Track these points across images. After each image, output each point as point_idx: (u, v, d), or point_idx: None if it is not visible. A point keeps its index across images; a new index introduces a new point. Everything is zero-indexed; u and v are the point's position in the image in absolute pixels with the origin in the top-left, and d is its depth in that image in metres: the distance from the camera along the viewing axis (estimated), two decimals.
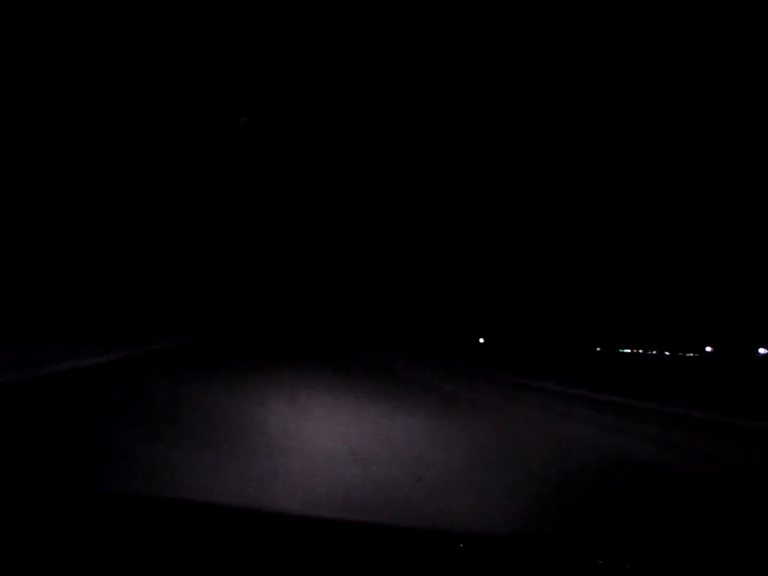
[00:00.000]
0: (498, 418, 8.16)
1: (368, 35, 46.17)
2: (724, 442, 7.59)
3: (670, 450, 6.52)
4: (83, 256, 24.77)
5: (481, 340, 39.57)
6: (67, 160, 24.05)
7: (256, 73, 47.44)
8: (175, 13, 34.03)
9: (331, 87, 52.95)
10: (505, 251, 40.16)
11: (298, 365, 15.88)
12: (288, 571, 1.21)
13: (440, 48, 44.11)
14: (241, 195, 53.15)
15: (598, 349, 35.79)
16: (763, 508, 4.42)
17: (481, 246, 41.85)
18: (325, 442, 5.27)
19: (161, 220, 34.90)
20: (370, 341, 43.86)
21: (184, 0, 35.29)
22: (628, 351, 36.26)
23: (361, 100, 50.44)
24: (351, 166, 53.28)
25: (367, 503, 3.55)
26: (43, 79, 23.01)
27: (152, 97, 32.42)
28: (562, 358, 26.70)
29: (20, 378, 8.29)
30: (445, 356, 27.48)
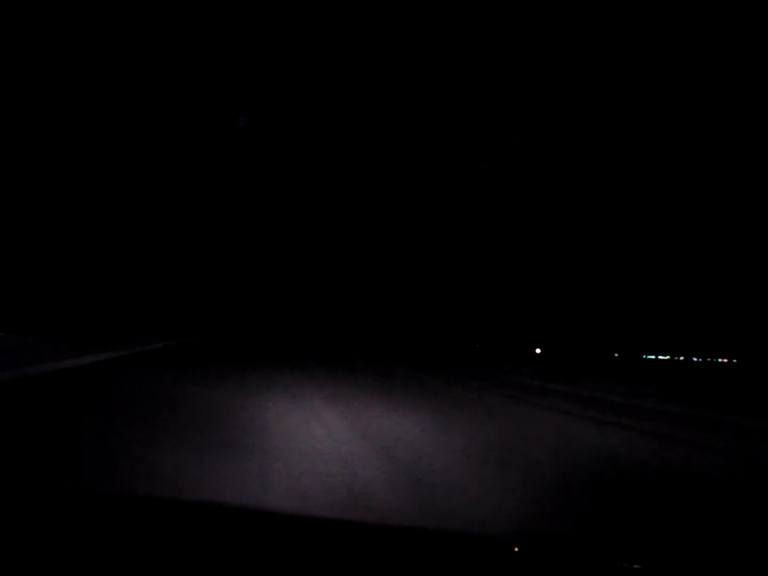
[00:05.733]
0: (499, 418, 8.16)
1: (368, 36, 46.15)
2: (730, 440, 7.58)
3: (674, 449, 6.52)
4: (85, 257, 24.76)
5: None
6: (67, 160, 24.04)
7: (256, 73, 47.43)
8: (175, 14, 34.02)
9: (331, 87, 52.93)
10: (505, 250, 40.14)
11: (299, 368, 15.88)
12: (287, 571, 1.22)
13: (440, 48, 44.09)
14: (241, 195, 53.13)
15: (616, 354, 34.98)
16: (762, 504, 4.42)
17: (481, 245, 41.84)
18: (324, 443, 5.28)
19: (161, 220, 34.89)
20: (368, 341, 43.81)
21: (184, 0, 35.27)
22: (652, 357, 35.27)
23: (360, 100, 50.40)
24: (351, 166, 53.25)
25: (367, 503, 3.55)
26: (43, 79, 23.00)
27: (152, 97, 32.41)
28: (566, 359, 26.44)
29: (41, 371, 8.63)
30: (446, 358, 27.45)
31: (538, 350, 32.89)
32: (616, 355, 33.93)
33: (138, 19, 30.20)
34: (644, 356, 33.99)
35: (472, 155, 42.92)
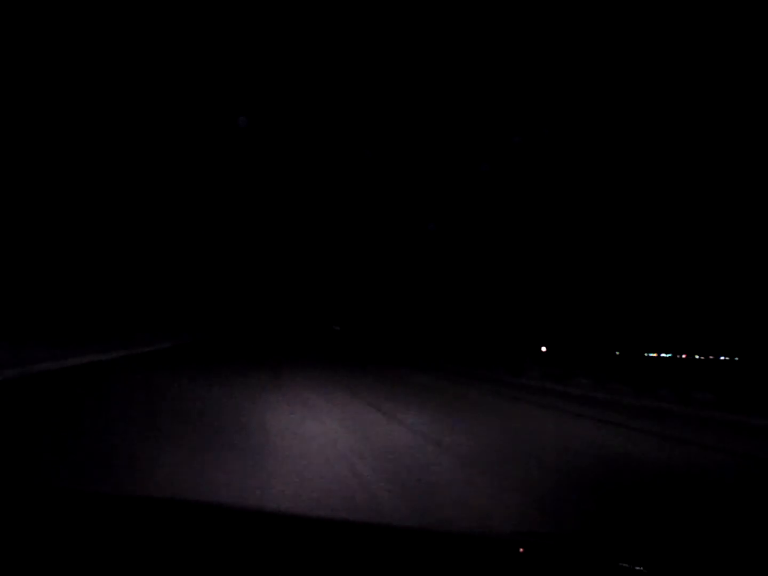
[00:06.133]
0: (499, 417, 8.15)
1: (368, 36, 46.14)
2: (733, 440, 7.57)
3: (674, 449, 6.51)
4: (84, 256, 24.76)
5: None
6: (67, 160, 24.03)
7: (256, 73, 47.39)
8: (175, 13, 34.01)
9: (331, 87, 52.94)
10: (506, 249, 40.14)
11: (299, 369, 15.90)
12: (288, 571, 1.21)
13: (440, 49, 44.08)
14: (241, 195, 53.13)
15: (617, 352, 34.42)
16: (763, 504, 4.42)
17: (482, 244, 41.85)
18: (324, 443, 5.27)
19: (161, 220, 34.89)
20: (369, 341, 43.81)
21: (184, 0, 35.26)
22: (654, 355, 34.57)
23: (360, 101, 50.39)
24: (351, 166, 53.24)
25: (367, 503, 3.54)
26: (43, 79, 22.99)
27: (152, 97, 32.40)
28: (570, 357, 26.19)
29: (41, 369, 8.69)
30: (446, 357, 27.44)
31: (543, 348, 32.37)
32: (618, 353, 33.61)
33: (138, 19, 30.20)
34: (646, 354, 33.67)
35: (472, 155, 42.91)
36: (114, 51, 27.89)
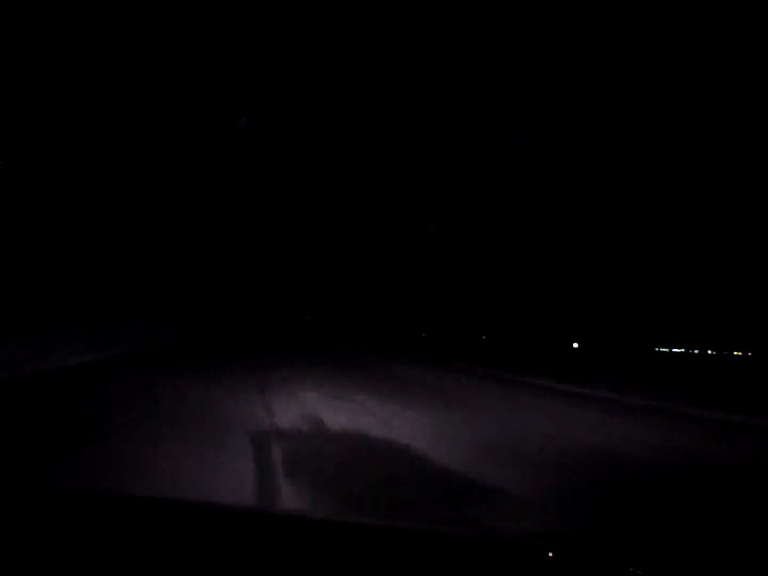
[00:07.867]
0: (500, 416, 8.15)
1: (367, 36, 46.14)
2: (730, 441, 7.57)
3: (669, 447, 6.51)
4: (86, 256, 24.80)
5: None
6: (67, 158, 24.06)
7: (256, 73, 47.41)
8: (175, 13, 34.03)
9: (331, 88, 52.91)
10: (507, 248, 40.13)
11: (300, 365, 15.90)
12: (288, 571, 1.21)
13: (440, 49, 44.06)
14: (241, 194, 53.18)
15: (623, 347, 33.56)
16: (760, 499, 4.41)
17: (482, 244, 41.84)
18: (324, 442, 5.28)
19: (162, 220, 34.94)
20: (369, 339, 43.81)
21: (184, 0, 35.27)
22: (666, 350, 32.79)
23: (360, 101, 50.37)
24: (351, 166, 53.24)
25: (368, 502, 3.54)
26: (43, 78, 23.01)
27: (152, 97, 32.42)
28: (570, 357, 25.72)
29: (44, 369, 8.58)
30: (448, 356, 27.41)
31: (575, 344, 30.55)
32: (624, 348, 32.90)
33: (138, 19, 30.22)
34: (657, 349, 32.75)
35: (472, 155, 42.89)
36: (114, 51, 27.90)
